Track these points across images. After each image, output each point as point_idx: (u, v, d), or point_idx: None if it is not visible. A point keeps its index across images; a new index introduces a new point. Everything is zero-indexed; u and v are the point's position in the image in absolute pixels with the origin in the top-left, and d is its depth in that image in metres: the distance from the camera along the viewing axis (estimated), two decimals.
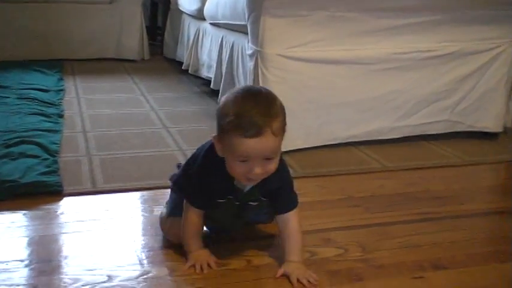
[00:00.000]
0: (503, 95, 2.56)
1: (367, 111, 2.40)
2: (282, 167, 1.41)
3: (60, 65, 3.83)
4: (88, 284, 1.34)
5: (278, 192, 1.44)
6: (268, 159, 1.30)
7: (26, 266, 1.41)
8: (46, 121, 2.54)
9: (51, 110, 2.73)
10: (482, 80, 2.52)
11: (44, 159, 2.05)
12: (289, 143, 2.12)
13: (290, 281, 1.38)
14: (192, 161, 1.49)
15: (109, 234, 1.61)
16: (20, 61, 3.80)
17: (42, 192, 1.83)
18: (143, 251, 1.51)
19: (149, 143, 2.39)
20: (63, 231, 1.62)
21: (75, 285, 1.33)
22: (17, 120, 2.52)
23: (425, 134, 2.51)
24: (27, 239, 1.56)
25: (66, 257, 1.47)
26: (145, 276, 1.39)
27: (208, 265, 1.42)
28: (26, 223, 1.65)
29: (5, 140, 2.22)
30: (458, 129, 2.56)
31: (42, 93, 3.03)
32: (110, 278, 1.37)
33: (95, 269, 1.40)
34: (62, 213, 1.73)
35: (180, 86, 3.48)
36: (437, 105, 2.49)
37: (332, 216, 1.77)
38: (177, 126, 2.63)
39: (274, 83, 2.22)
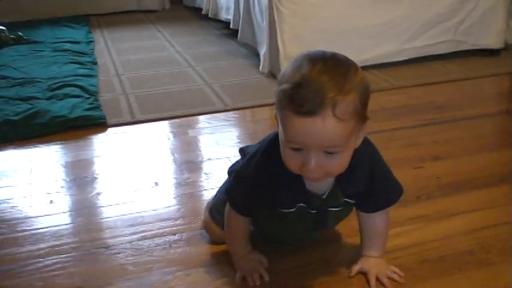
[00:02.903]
0: (503, 12, 2.72)
1: (375, 37, 2.59)
2: (370, 151, 1.08)
3: (87, 20, 4.06)
4: (139, 189, 1.60)
5: (371, 190, 1.10)
6: (329, 153, 0.94)
7: (87, 180, 1.67)
8: (82, 68, 2.79)
9: (85, 59, 2.97)
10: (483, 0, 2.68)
11: (86, 98, 2.31)
12: None
13: (367, 280, 1.16)
14: (253, 155, 1.11)
15: (152, 152, 1.87)
16: (48, 18, 4.04)
17: (89, 124, 2.08)
18: (182, 163, 1.77)
19: (178, 80, 2.62)
20: (111, 153, 1.87)
21: (128, 189, 1.59)
22: (56, 69, 2.77)
23: (431, 54, 2.69)
24: (82, 160, 1.82)
25: (117, 171, 1.73)
26: (186, 181, 1.64)
27: (261, 275, 1.16)
28: (78, 149, 1.91)
29: (49, 85, 2.47)
30: (462, 48, 2.74)
31: (74, 45, 3.28)
32: (156, 183, 1.63)
33: (144, 178, 1.66)
34: (108, 141, 1.98)
35: (201, 30, 3.69)
36: (441, 26, 2.67)
37: None
38: (202, 64, 2.85)
39: (288, 16, 2.44)
